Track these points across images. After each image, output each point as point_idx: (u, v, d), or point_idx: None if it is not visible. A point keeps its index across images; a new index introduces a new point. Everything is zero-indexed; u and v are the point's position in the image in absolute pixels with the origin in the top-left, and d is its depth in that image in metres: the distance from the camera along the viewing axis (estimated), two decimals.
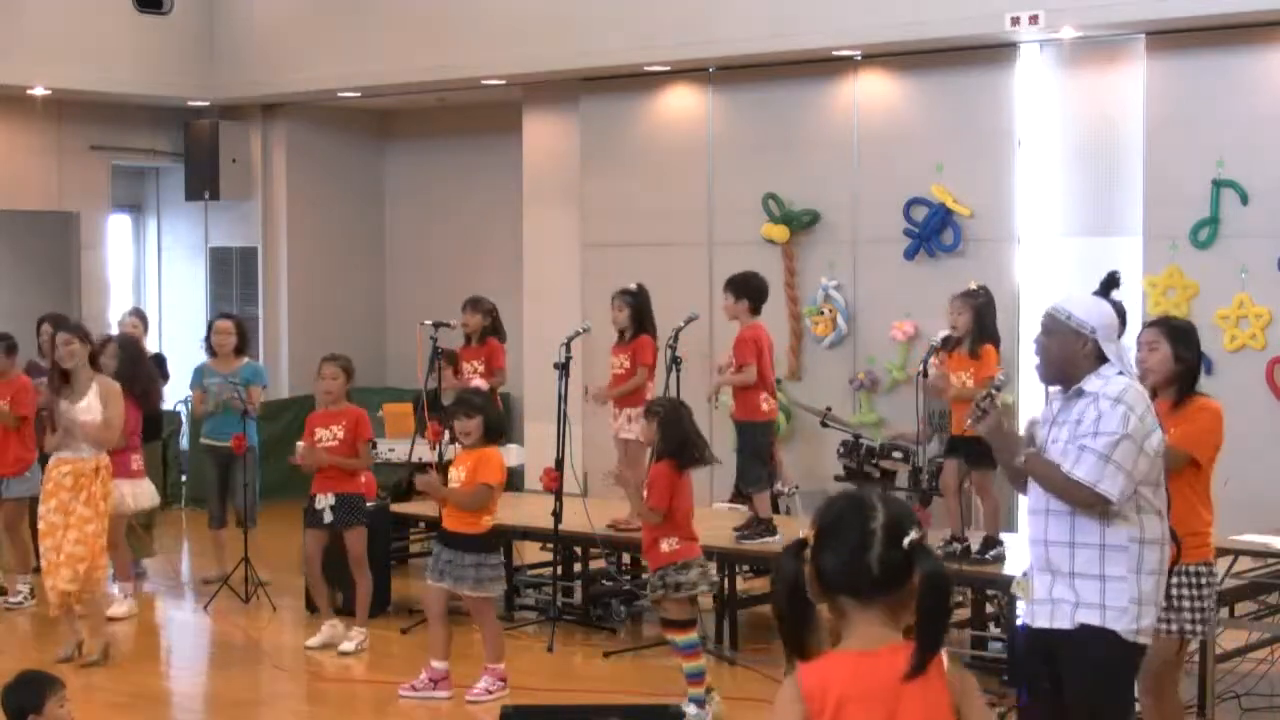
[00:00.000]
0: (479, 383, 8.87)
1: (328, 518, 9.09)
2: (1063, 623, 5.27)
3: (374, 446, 9.52)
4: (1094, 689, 5.27)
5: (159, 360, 11.52)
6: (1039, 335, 5.45)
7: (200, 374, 11.18)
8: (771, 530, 9.23)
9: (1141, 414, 5.23)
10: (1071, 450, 5.20)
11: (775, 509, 10.06)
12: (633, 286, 9.72)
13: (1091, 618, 5.22)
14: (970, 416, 5.59)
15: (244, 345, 11.26)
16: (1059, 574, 5.28)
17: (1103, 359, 5.33)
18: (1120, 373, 5.33)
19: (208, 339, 11.26)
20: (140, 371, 10.20)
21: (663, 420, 7.63)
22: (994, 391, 5.67)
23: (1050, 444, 5.34)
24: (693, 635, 7.66)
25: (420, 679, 8.24)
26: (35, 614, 9.73)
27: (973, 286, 8.69)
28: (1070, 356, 5.34)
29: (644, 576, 7.80)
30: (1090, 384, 5.29)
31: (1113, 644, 5.22)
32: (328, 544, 9.19)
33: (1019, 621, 6.16)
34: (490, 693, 8.10)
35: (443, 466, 9.01)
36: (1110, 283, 6.06)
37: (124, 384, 9.98)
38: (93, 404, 8.78)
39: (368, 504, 9.33)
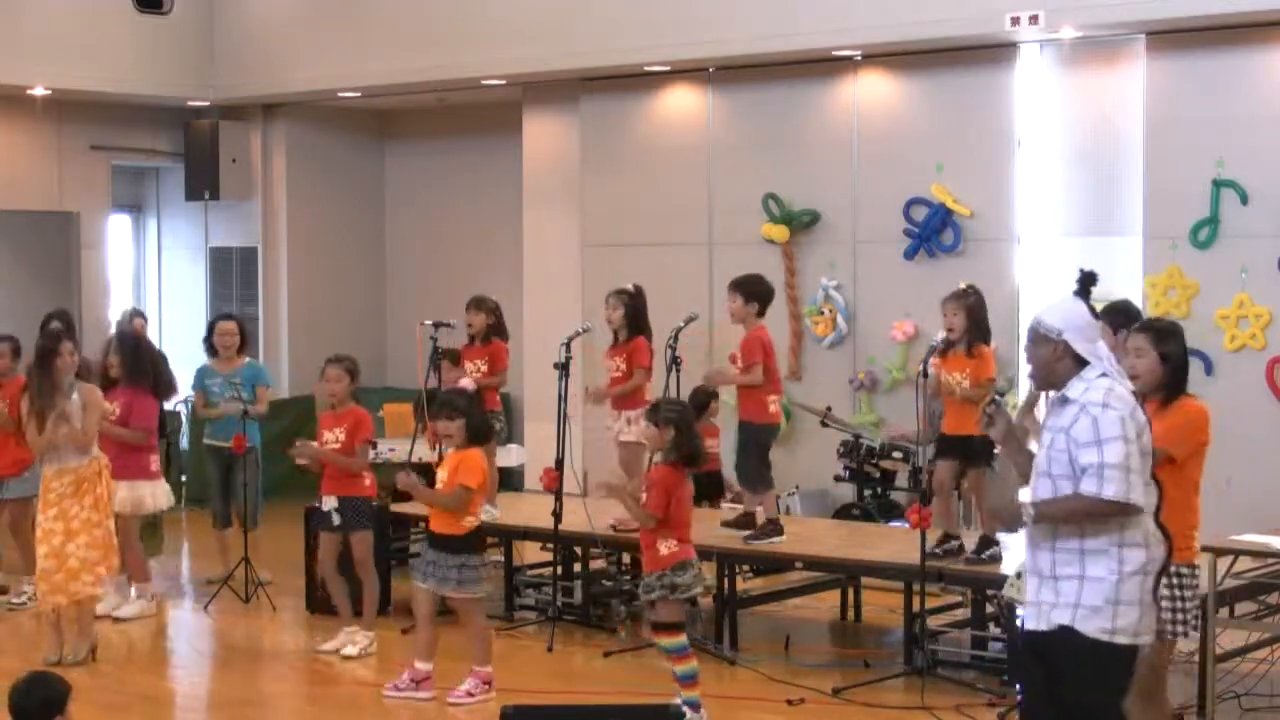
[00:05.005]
0: (465, 383, 8.88)
1: (335, 520, 9.09)
2: (1043, 624, 5.35)
3: (374, 447, 9.52)
4: (1078, 690, 5.31)
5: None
6: (1026, 343, 5.53)
7: (202, 375, 11.18)
8: (779, 530, 9.23)
9: (1130, 414, 5.27)
10: (1092, 472, 5.20)
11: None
12: (629, 287, 9.69)
13: (1064, 618, 5.28)
14: (980, 423, 5.63)
15: (244, 345, 11.28)
16: (1044, 577, 5.35)
17: (1082, 361, 5.35)
18: (1103, 374, 5.33)
19: (209, 339, 11.25)
20: (146, 366, 10.17)
21: (678, 425, 7.62)
22: (998, 397, 5.70)
23: (1042, 448, 5.39)
24: (681, 639, 7.64)
25: (402, 679, 8.25)
26: (39, 614, 9.71)
27: (962, 287, 8.71)
28: (1045, 362, 5.41)
29: (648, 580, 7.77)
30: (1073, 389, 5.33)
31: (1084, 644, 5.24)
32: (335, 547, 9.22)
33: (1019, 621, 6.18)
34: (472, 695, 8.08)
35: (424, 466, 9.02)
36: (1087, 280, 6.08)
37: (134, 382, 10.00)
38: (75, 411, 8.80)
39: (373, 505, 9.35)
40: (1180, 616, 6.36)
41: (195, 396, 11.31)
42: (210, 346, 11.23)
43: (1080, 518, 5.26)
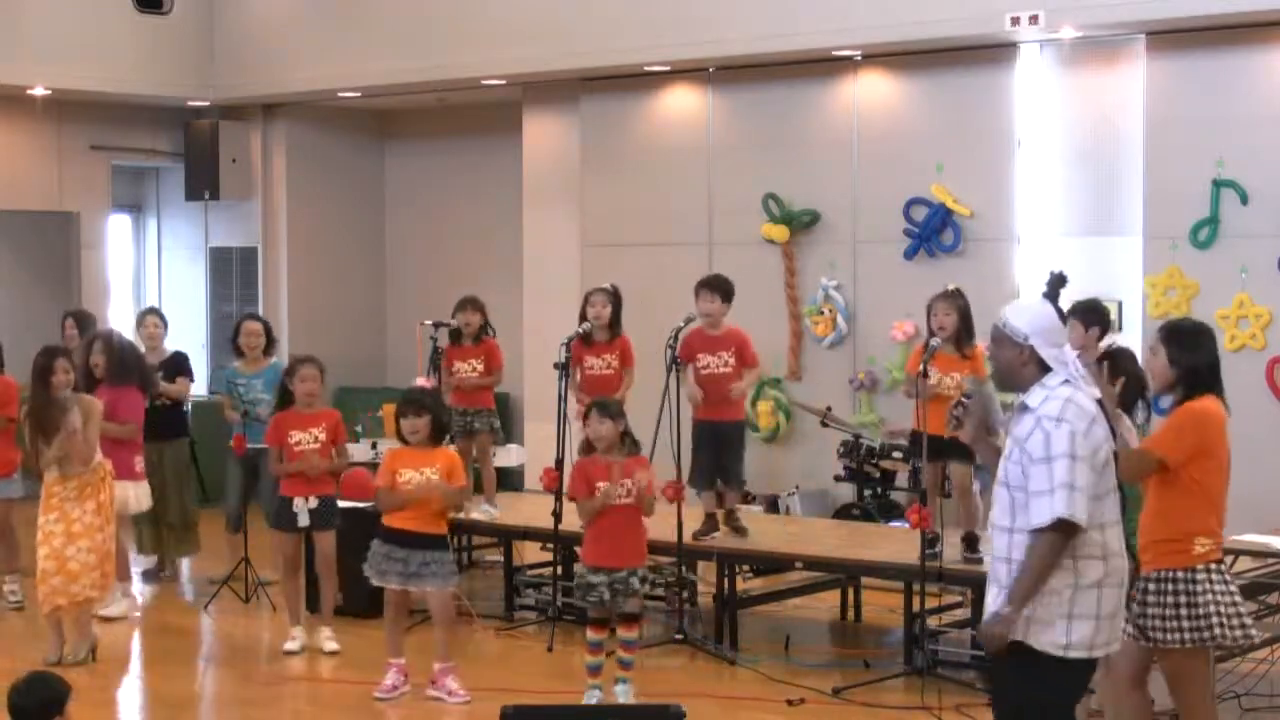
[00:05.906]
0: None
1: (303, 520, 9.10)
2: None
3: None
4: (1030, 702, 5.25)
5: (180, 358, 11.45)
6: (989, 342, 5.45)
7: (228, 376, 11.08)
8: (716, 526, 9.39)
9: (1085, 430, 5.16)
10: (1038, 498, 5.10)
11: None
12: (608, 286, 9.76)
13: (1017, 633, 5.19)
14: (949, 425, 5.62)
15: (270, 345, 11.23)
16: (1002, 586, 5.26)
17: (1045, 367, 5.26)
18: (1065, 381, 5.24)
19: (234, 340, 11.18)
20: (131, 364, 10.19)
21: (625, 419, 7.87)
22: (965, 400, 5.67)
23: (1003, 459, 5.33)
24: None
25: (393, 679, 8.31)
26: (41, 615, 9.71)
27: (950, 288, 8.75)
28: (1010, 365, 5.32)
29: (639, 572, 7.85)
30: (1032, 397, 5.24)
31: (1036, 659, 5.17)
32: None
33: None
34: (461, 690, 8.19)
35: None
36: (1057, 283, 6.03)
37: (119, 381, 10.02)
38: (76, 424, 8.84)
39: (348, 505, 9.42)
40: (1156, 623, 6.15)
41: (224, 399, 11.21)
42: (236, 348, 11.17)
43: (1047, 567, 5.10)
